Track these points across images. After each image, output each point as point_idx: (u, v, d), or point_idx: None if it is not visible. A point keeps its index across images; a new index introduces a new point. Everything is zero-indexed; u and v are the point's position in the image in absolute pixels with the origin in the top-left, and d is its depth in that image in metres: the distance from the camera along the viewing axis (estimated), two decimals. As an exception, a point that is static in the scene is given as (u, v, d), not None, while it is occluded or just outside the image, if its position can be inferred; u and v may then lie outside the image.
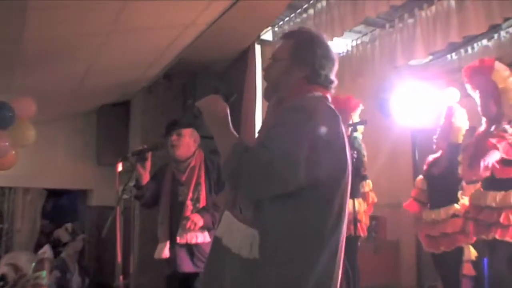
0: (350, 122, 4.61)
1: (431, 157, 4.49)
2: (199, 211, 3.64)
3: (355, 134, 4.63)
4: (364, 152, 4.64)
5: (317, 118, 1.72)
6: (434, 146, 4.42)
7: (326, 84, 1.89)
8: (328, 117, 1.78)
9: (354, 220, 4.09)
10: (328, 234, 1.78)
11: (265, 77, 1.95)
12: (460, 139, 4.30)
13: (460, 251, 4.13)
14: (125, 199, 3.93)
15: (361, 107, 4.87)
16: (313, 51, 1.87)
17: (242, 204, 1.76)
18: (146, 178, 3.82)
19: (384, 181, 5.79)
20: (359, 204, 4.47)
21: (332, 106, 1.85)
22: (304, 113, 1.72)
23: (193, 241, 3.60)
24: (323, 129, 1.70)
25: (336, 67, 1.95)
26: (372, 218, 5.06)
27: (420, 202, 4.48)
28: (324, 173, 1.74)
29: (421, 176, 4.58)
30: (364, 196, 4.66)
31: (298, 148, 1.65)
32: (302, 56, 1.87)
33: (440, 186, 4.27)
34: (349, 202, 4.18)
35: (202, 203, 3.68)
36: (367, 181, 4.75)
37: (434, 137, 4.45)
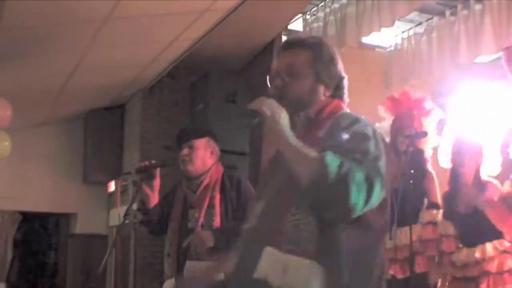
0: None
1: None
2: (213, 232, 3.59)
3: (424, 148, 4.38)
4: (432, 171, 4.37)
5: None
6: None
7: (344, 98, 2.11)
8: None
9: (411, 255, 3.81)
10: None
11: (280, 95, 2.05)
12: None
13: None
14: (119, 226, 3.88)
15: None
16: (336, 67, 2.08)
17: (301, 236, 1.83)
18: (154, 200, 3.77)
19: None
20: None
21: None
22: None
23: None
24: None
25: None
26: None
27: None
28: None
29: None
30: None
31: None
32: (328, 73, 2.06)
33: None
34: (404, 231, 4.02)
35: None
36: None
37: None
